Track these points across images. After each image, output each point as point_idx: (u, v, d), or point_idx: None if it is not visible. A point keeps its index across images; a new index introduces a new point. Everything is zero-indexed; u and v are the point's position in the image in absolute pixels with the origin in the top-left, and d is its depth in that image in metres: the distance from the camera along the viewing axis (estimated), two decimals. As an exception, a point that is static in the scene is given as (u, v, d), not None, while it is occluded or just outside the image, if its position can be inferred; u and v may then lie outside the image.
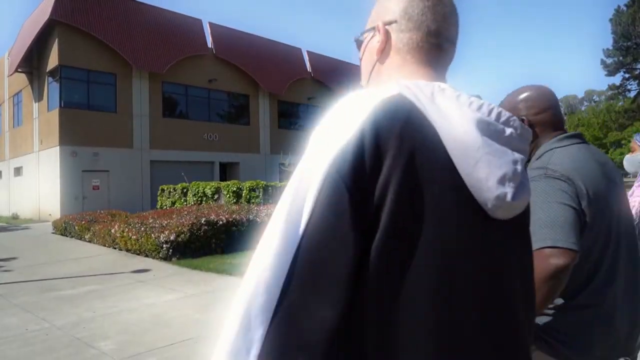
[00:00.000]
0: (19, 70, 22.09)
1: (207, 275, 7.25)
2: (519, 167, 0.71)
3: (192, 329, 4.47)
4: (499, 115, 0.72)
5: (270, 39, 27.44)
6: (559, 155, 1.36)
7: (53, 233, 14.04)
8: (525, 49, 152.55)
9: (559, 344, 1.30)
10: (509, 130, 0.72)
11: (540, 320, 1.32)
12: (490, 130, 0.69)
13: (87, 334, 4.40)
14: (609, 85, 39.76)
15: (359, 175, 0.61)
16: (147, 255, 9.15)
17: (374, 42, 0.84)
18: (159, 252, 8.81)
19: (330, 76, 30.43)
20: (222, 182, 13.87)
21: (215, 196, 13.52)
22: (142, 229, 9.48)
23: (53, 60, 19.62)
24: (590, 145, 1.44)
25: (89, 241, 11.45)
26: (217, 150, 24.05)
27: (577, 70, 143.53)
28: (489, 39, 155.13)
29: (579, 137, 1.44)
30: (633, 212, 2.04)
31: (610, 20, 35.67)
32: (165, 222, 9.51)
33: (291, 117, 29.38)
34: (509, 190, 0.68)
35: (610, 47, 36.73)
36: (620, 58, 36.43)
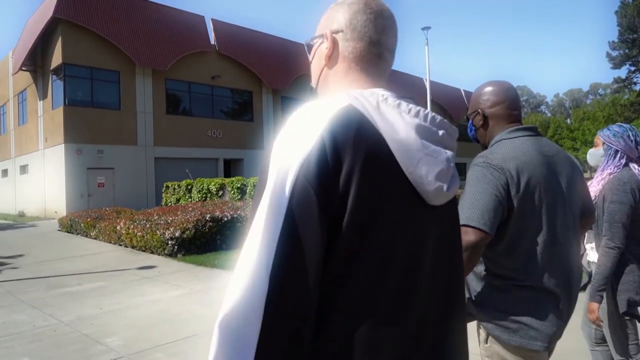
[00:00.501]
0: (23, 68, 22.16)
1: (212, 271, 7.28)
2: (451, 163, 0.86)
3: (198, 325, 4.50)
4: (433, 119, 0.85)
5: (272, 35, 27.37)
6: (503, 147, 1.52)
7: (59, 230, 14.13)
8: (528, 41, 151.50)
9: (506, 322, 1.45)
10: (441, 132, 0.86)
11: (489, 301, 1.50)
12: (426, 134, 0.82)
13: (94, 330, 4.43)
14: (614, 78, 39.51)
15: (323, 178, 0.72)
16: (152, 252, 9.20)
17: (322, 49, 0.94)
18: (164, 249, 8.85)
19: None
20: (226, 179, 13.88)
21: (220, 192, 13.54)
22: (148, 225, 9.52)
23: (57, 58, 19.68)
24: (541, 139, 1.57)
25: (95, 238, 11.52)
26: (220, 147, 24.08)
27: (582, 63, 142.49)
28: (489, 28, 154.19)
29: (530, 130, 1.57)
30: (597, 199, 2.27)
31: (616, 12, 35.34)
32: (170, 218, 9.54)
33: (295, 113, 29.37)
34: (444, 183, 0.83)
35: (616, 40, 36.42)
36: (626, 51, 36.13)
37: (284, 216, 0.71)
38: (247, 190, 12.64)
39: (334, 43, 0.92)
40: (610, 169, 2.26)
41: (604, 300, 2.20)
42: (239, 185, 12.76)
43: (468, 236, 1.38)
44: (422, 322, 0.84)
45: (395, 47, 0.96)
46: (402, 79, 36.23)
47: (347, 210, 0.74)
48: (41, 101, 21.96)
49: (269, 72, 26.17)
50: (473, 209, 1.41)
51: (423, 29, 16.22)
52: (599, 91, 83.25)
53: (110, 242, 10.67)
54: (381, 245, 0.78)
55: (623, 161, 2.24)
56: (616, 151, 2.27)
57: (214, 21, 24.22)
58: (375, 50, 0.91)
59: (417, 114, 0.82)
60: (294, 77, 27.83)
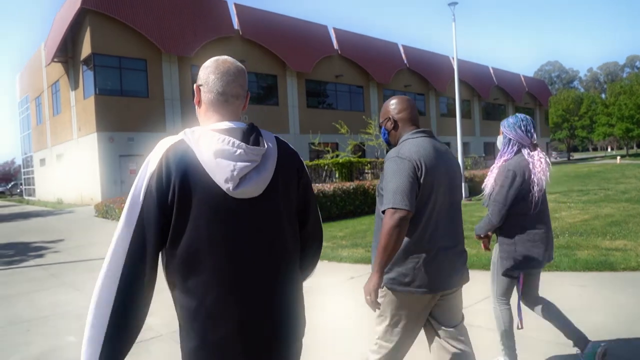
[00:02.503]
0: (55, 60, 22.77)
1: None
2: (240, 172, 1.25)
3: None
4: (233, 143, 1.26)
5: (295, 18, 27.15)
6: (409, 144, 2.02)
7: (95, 216, 14.66)
8: (560, 14, 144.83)
9: (406, 280, 1.97)
10: (238, 151, 1.26)
11: (394, 267, 1.98)
12: (222, 153, 1.25)
13: (133, 310, 4.60)
14: (654, 49, 37.38)
15: (160, 186, 1.23)
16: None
17: (196, 95, 1.42)
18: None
19: (358, 52, 29.93)
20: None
21: (247, 177, 13.67)
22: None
23: (86, 49, 20.12)
24: (433, 139, 2.08)
25: (129, 223, 11.86)
26: (247, 132, 24.27)
27: (618, 36, 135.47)
28: (519, 2, 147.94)
29: (426, 132, 2.09)
30: (488, 186, 2.73)
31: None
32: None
33: (319, 96, 29.19)
34: (230, 185, 1.24)
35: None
36: (668, 19, 34.08)
37: (140, 208, 1.23)
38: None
39: (198, 92, 1.41)
40: (506, 155, 2.67)
41: (497, 255, 2.74)
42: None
43: (397, 214, 1.84)
44: (241, 294, 1.28)
45: (242, 90, 1.41)
46: (427, 59, 35.44)
47: (174, 204, 1.23)
48: (73, 91, 22.57)
49: (293, 56, 26.04)
50: (396, 194, 1.86)
51: (450, 4, 15.72)
52: (637, 64, 79.25)
53: (144, 227, 10.97)
54: (201, 231, 1.24)
55: (515, 148, 2.64)
56: (509, 140, 2.66)
57: (237, 6, 24.18)
58: (222, 98, 1.37)
59: (222, 141, 1.26)
60: (318, 59, 27.61)
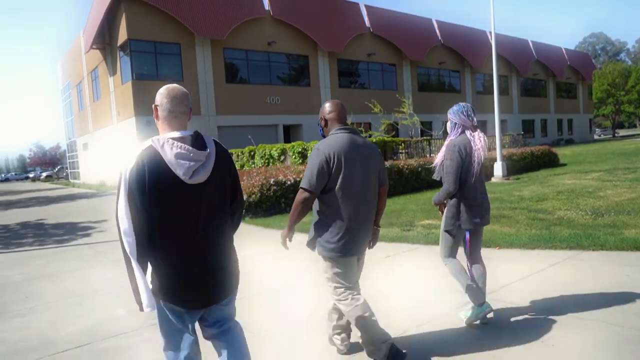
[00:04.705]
0: (93, 47, 23.43)
1: (279, 233, 7.53)
2: (192, 168, 1.88)
3: (270, 282, 4.73)
4: (187, 149, 1.88)
5: (326, -4, 26.72)
6: (329, 139, 2.67)
7: (136, 198, 15.16)
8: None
9: (330, 247, 2.65)
10: (191, 154, 1.88)
11: (316, 231, 2.72)
12: (181, 156, 1.86)
13: (176, 285, 4.79)
14: None
15: (137, 179, 1.82)
16: (221, 216, 9.65)
17: (154, 112, 2.04)
18: (232, 213, 9.25)
19: (390, 30, 29.26)
20: (287, 144, 14.08)
21: (282, 157, 13.80)
22: (215, 191, 9.96)
23: (122, 35, 20.58)
24: (352, 134, 2.68)
25: (168, 204, 12.24)
26: (279, 113, 24.38)
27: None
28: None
29: (348, 129, 2.69)
30: (438, 160, 3.30)
31: None
32: (236, 184, 9.91)
33: (351, 76, 28.85)
34: (187, 176, 1.87)
35: None
36: None
37: (127, 191, 1.83)
38: (308, 155, 12.76)
39: (156, 111, 2.03)
40: (452, 135, 3.24)
41: (443, 218, 3.28)
42: (299, 149, 12.91)
43: (303, 194, 2.59)
44: (196, 241, 1.95)
45: (187, 108, 2.02)
46: (463, 34, 34.28)
47: (147, 188, 1.83)
48: (112, 77, 23.22)
49: (324, 35, 25.76)
50: (306, 177, 2.59)
51: (487, -24, 15.04)
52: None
53: (183, 208, 11.30)
54: (166, 205, 1.88)
55: (459, 130, 3.21)
56: (455, 123, 3.23)
57: (267, -14, 24.03)
58: (172, 115, 1.99)
59: (179, 147, 1.87)
60: (350, 37, 27.20)
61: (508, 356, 2.77)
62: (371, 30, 28.41)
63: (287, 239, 2.76)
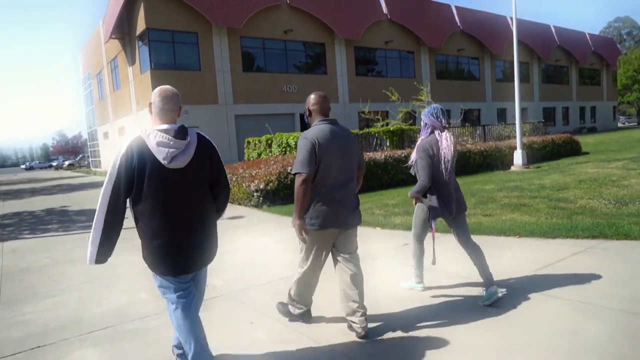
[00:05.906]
0: (113, 37, 23.68)
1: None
2: (172, 154, 2.29)
3: (286, 269, 4.80)
4: (168, 138, 2.30)
5: (344, -18, 26.40)
6: (313, 128, 3.00)
7: (156, 186, 15.39)
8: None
9: (312, 222, 2.96)
10: (171, 142, 2.31)
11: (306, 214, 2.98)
12: (162, 144, 2.29)
13: (197, 271, 4.88)
14: None
15: (126, 163, 2.26)
16: (239, 204, 9.79)
17: (149, 108, 2.43)
18: (250, 200, 9.37)
19: (408, 16, 28.83)
20: (304, 132, 14.06)
21: (298, 146, 13.78)
22: (234, 179, 10.08)
23: (140, 25, 20.74)
24: (333, 125, 3.01)
25: (188, 192, 12.40)
26: (296, 102, 24.32)
27: None
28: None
29: (329, 121, 3.02)
30: (412, 158, 3.60)
31: None
32: (255, 171, 10.00)
33: (368, 64, 28.57)
34: (166, 161, 2.28)
35: None
36: None
37: (116, 174, 2.25)
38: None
39: (150, 107, 2.39)
40: (423, 135, 3.59)
41: (417, 207, 3.70)
42: (316, 138, 12.89)
43: (301, 177, 2.84)
44: (182, 216, 2.35)
45: (176, 106, 2.40)
46: (482, 20, 33.58)
47: (135, 172, 2.25)
48: (131, 67, 23.47)
49: (340, 22, 25.53)
50: (300, 162, 2.87)
51: (509, -41, 14.68)
52: None
53: (202, 195, 11.43)
54: (150, 186, 2.27)
55: (429, 130, 3.54)
56: (425, 124, 3.57)
57: (284, -27, 23.86)
58: (163, 112, 2.36)
59: (161, 136, 2.27)
60: (367, 25, 26.90)
61: (528, 344, 2.77)
62: (388, 17, 28.03)
63: (303, 231, 2.93)
